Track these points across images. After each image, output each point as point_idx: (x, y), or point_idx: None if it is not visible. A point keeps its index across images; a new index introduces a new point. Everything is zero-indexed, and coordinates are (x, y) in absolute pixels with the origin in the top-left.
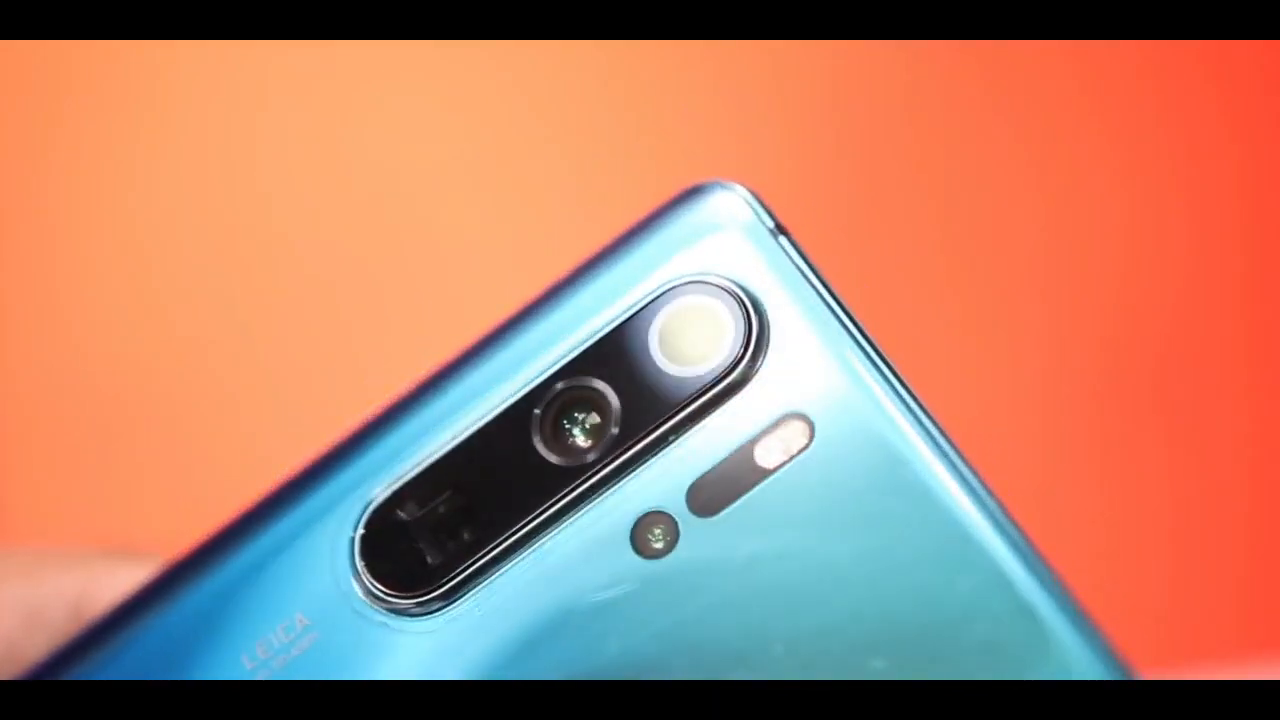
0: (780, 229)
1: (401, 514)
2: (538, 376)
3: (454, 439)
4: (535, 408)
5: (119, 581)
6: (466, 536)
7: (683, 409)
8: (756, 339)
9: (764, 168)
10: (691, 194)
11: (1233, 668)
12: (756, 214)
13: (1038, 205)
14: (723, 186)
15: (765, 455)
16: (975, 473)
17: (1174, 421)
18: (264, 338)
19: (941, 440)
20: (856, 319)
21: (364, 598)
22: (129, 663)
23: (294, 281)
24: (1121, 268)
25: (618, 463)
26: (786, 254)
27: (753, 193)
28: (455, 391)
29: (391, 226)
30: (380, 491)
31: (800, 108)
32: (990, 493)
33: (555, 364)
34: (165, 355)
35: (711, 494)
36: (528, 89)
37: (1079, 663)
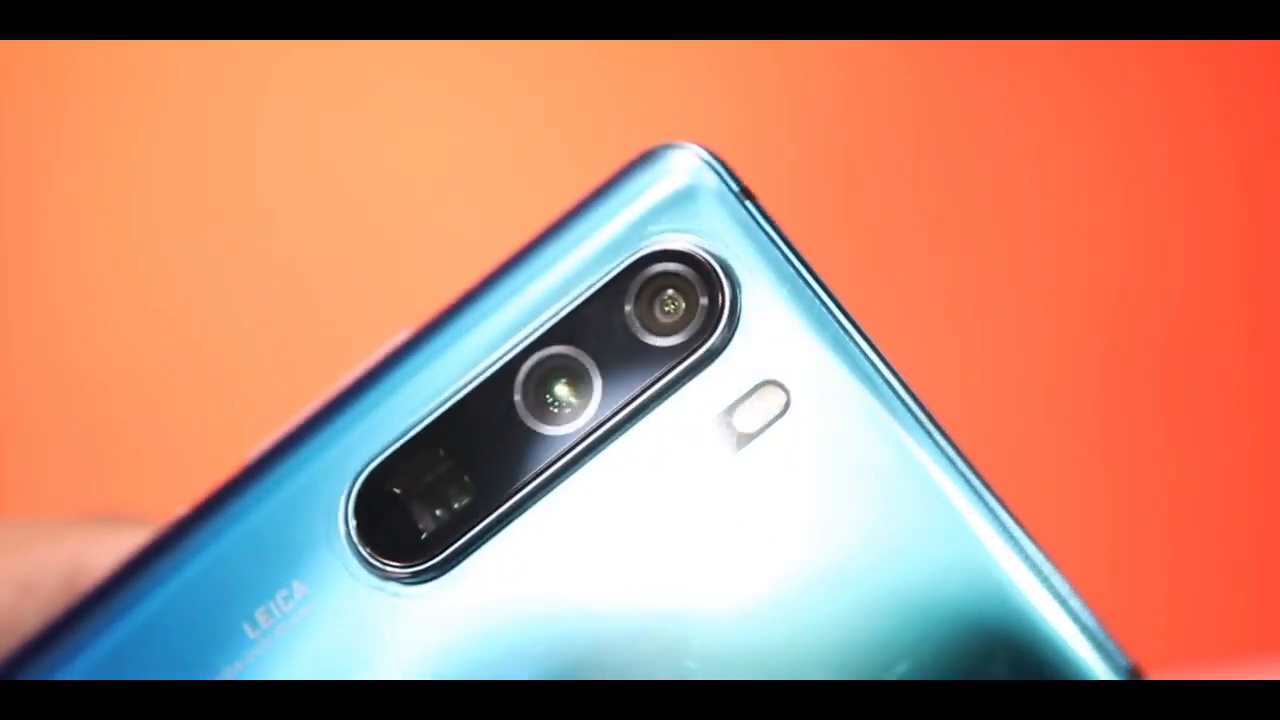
0: (746, 193)
1: (392, 484)
2: (519, 345)
3: (438, 408)
4: (516, 376)
5: (109, 549)
6: (457, 506)
7: (661, 378)
8: (729, 307)
9: (763, 167)
10: (656, 157)
11: (1234, 668)
12: (723, 179)
13: (1038, 205)
14: (686, 149)
15: (743, 422)
16: (947, 435)
17: (1175, 420)
18: (259, 329)
19: (912, 403)
20: (825, 284)
21: (360, 566)
22: (129, 635)
23: (287, 274)
24: (1121, 266)
25: (601, 431)
26: (755, 219)
27: (717, 156)
28: (437, 358)
29: (385, 224)
30: (369, 461)
31: (799, 108)
32: (963, 454)
33: (534, 333)
34: (162, 345)
35: (694, 461)
36: (526, 89)
37: (1053, 620)
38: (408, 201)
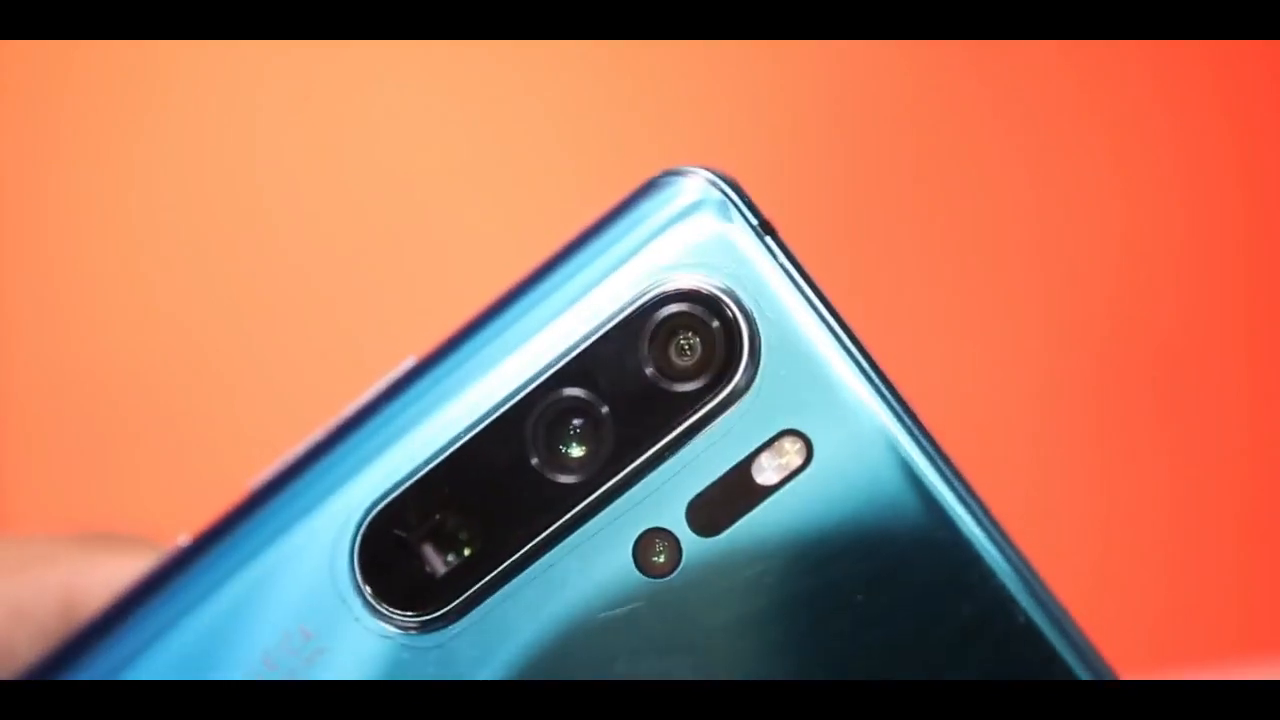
0: (767, 227)
1: (398, 529)
2: (528, 387)
3: (446, 450)
4: (526, 421)
5: (105, 574)
6: (466, 553)
7: (677, 424)
8: (749, 351)
9: (762, 168)
10: (672, 185)
11: (1232, 668)
12: (743, 213)
13: (1037, 205)
14: (705, 176)
15: (762, 473)
16: (970, 489)
17: (1173, 422)
18: (260, 333)
19: (938, 457)
20: (850, 328)
21: (366, 612)
22: (128, 675)
23: (289, 278)
24: (1120, 268)
25: (615, 479)
26: (775, 258)
27: (736, 186)
28: (444, 395)
29: (387, 225)
30: (374, 504)
31: (798, 108)
32: (985, 509)
33: (545, 374)
34: (161, 348)
35: (711, 513)
36: (525, 90)
37: (1037, 623)
38: (414, 202)
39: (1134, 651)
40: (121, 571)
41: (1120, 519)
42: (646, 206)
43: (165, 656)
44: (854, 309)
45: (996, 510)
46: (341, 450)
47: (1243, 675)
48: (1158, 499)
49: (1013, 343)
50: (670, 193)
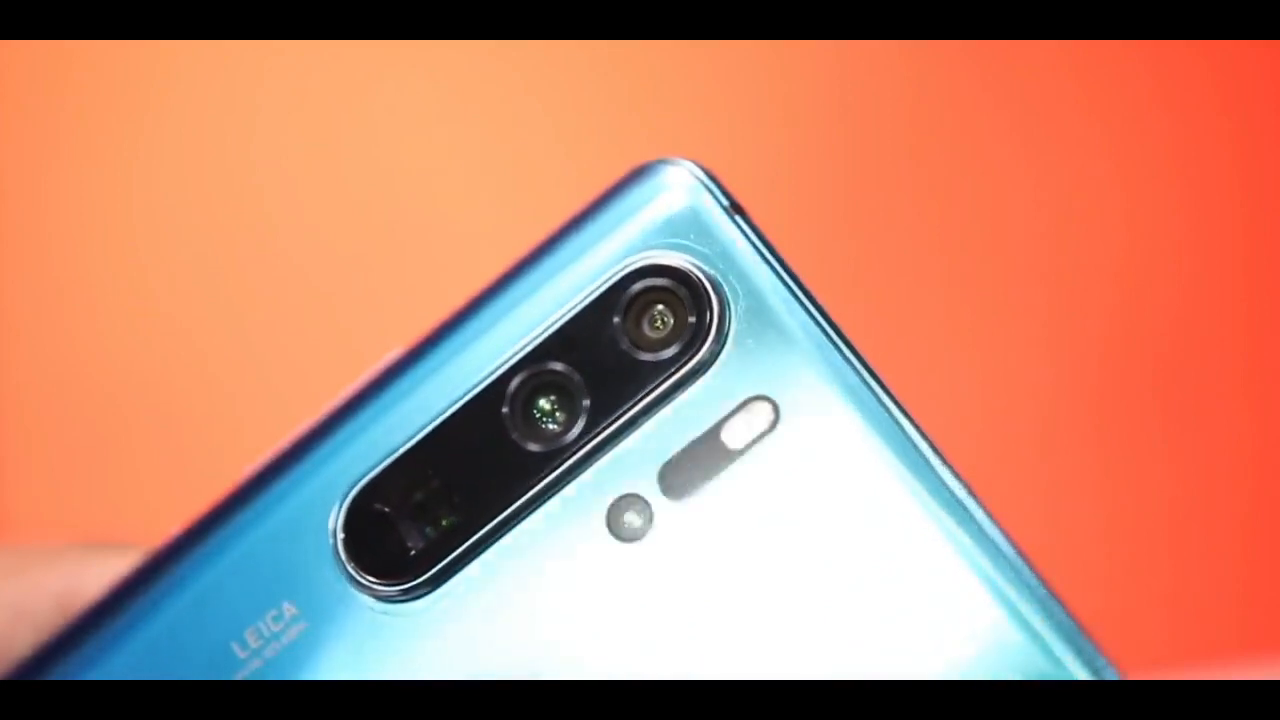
0: (736, 207)
1: (380, 503)
2: (507, 362)
3: (426, 427)
4: (504, 393)
5: (103, 574)
6: (445, 523)
7: (649, 393)
8: (718, 322)
9: (762, 168)
10: (646, 173)
11: (1234, 668)
12: (713, 193)
13: (1037, 206)
14: (677, 164)
15: (731, 437)
16: (937, 450)
17: (1174, 423)
18: (260, 334)
19: (901, 417)
20: (815, 298)
21: (349, 585)
22: (118, 656)
23: (289, 278)
24: (1120, 268)
25: (589, 446)
26: (744, 234)
27: (708, 171)
28: (427, 377)
29: (388, 226)
30: (358, 481)
31: (797, 108)
32: (951, 469)
33: (523, 349)
34: (161, 352)
35: (682, 476)
36: (525, 91)
37: (1041, 641)
38: (415, 204)
39: (1134, 651)
40: (118, 574)
41: (1122, 519)
42: (622, 192)
43: (155, 637)
44: (854, 308)
45: (996, 510)
46: (326, 434)
47: (1244, 675)
48: (1159, 499)
49: (1013, 343)
50: (646, 179)
